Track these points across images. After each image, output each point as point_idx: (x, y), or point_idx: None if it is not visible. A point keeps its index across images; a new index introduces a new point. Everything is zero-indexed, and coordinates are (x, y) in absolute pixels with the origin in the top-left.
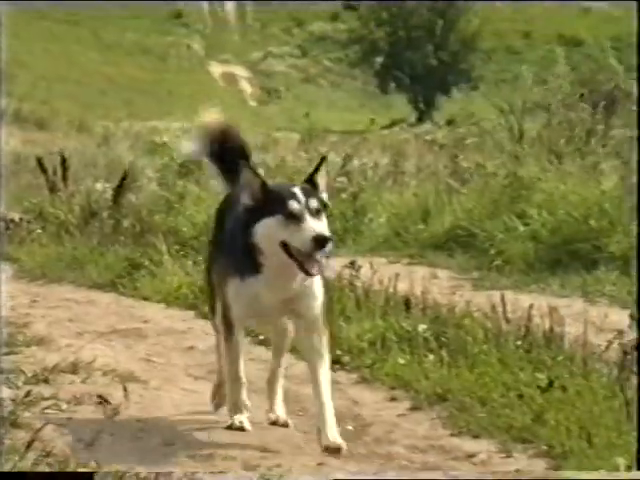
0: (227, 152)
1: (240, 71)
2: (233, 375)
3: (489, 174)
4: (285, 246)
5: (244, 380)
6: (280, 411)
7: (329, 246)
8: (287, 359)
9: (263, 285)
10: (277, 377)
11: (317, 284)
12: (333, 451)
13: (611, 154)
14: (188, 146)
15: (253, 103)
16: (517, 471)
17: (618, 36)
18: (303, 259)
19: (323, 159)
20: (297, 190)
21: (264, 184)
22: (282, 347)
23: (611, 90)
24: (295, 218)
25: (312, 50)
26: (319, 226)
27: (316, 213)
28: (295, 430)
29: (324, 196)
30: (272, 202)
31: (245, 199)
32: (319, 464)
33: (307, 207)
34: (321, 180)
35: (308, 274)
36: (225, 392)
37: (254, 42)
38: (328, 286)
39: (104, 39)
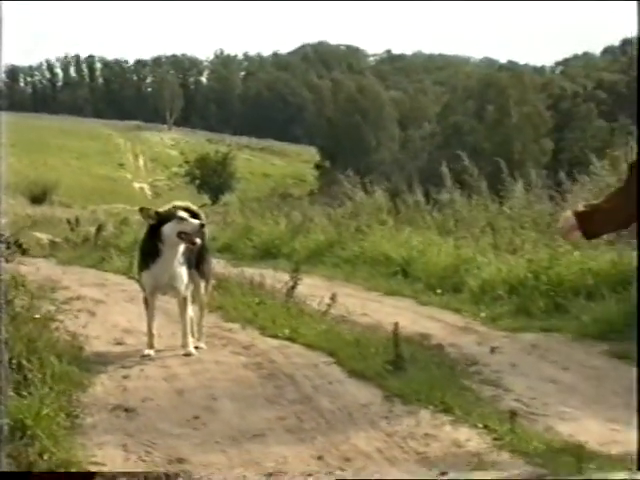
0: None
1: (145, 186)
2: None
3: (237, 223)
4: (179, 234)
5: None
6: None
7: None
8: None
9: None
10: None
11: (183, 273)
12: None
13: (288, 215)
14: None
15: (150, 198)
16: (251, 339)
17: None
18: (190, 239)
19: (176, 205)
20: (180, 210)
21: (157, 212)
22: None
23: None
24: (184, 219)
25: (172, 178)
26: (197, 221)
27: (192, 217)
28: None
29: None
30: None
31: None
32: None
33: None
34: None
35: (195, 244)
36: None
37: (150, 174)
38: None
39: (92, 173)
